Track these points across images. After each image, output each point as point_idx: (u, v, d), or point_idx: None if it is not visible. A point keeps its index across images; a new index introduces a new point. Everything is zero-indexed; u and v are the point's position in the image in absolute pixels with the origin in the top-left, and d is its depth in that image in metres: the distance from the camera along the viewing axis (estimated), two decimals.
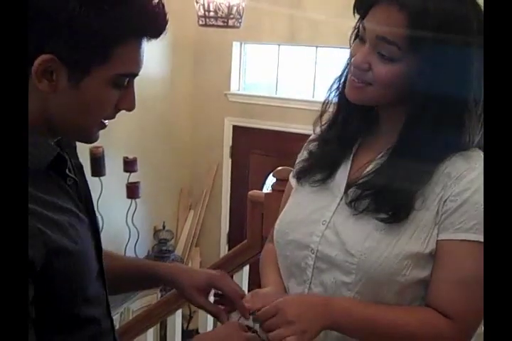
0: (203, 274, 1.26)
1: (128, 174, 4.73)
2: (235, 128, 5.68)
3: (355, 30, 1.17)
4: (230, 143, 5.73)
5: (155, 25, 0.96)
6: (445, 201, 1.09)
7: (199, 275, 1.25)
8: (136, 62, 0.96)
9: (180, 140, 5.76)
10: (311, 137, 1.34)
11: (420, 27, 1.04)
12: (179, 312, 2.58)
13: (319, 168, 1.25)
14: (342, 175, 1.22)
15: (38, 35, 0.88)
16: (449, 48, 1.05)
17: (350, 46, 1.18)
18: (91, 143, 1.03)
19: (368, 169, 1.18)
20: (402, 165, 1.11)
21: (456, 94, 1.08)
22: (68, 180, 1.03)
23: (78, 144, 1.12)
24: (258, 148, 5.56)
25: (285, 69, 5.51)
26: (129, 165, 4.71)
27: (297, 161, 1.34)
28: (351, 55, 1.15)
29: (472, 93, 1.08)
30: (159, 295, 4.61)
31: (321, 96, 5.50)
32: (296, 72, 5.46)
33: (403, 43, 1.06)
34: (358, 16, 1.14)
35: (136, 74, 0.98)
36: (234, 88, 5.65)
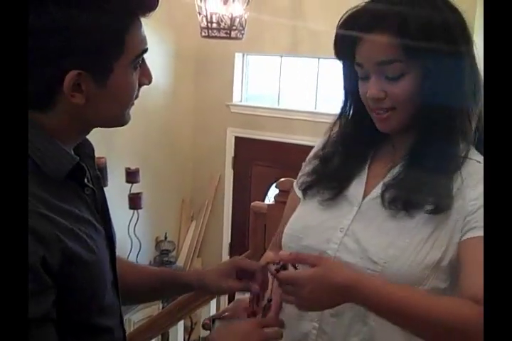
0: (226, 262, 1.31)
1: (130, 185, 4.73)
2: (237, 139, 5.68)
3: (348, 74, 1.24)
4: (232, 154, 5.72)
5: (149, 0, 0.98)
6: (465, 207, 1.13)
7: (222, 265, 1.30)
8: (143, 39, 0.99)
9: (183, 151, 5.76)
10: (315, 151, 1.36)
11: (407, 37, 1.10)
12: (181, 324, 2.57)
13: (328, 187, 1.26)
14: (358, 186, 1.25)
15: (58, 57, 0.90)
16: (439, 50, 1.10)
17: (345, 82, 1.26)
18: (125, 124, 1.06)
19: (391, 174, 1.21)
20: (428, 165, 1.15)
21: (459, 93, 1.15)
22: (86, 189, 1.04)
23: None
24: (260, 159, 5.56)
25: (287, 80, 5.52)
26: (131, 176, 4.71)
27: (301, 173, 1.35)
28: (361, 96, 1.20)
29: (468, 92, 1.15)
30: (161, 306, 4.59)
31: (323, 107, 5.47)
32: (299, 83, 5.47)
33: (401, 56, 1.12)
34: None
35: (147, 49, 1.01)
36: (236, 99, 5.66)
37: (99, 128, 1.06)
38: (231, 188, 5.77)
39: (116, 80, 0.96)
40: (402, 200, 1.15)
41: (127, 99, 1.01)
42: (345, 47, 1.18)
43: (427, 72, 1.12)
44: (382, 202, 1.17)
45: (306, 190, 1.31)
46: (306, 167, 1.35)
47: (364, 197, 1.23)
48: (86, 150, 1.10)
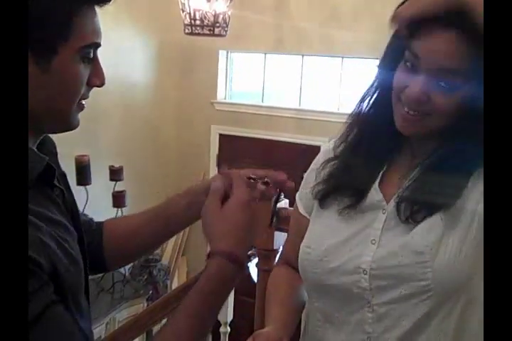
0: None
1: (114, 183, 4.71)
2: (222, 136, 5.68)
3: (391, 49, 1.08)
4: (217, 152, 5.72)
5: None
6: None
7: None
8: (95, 31, 0.95)
9: (167, 148, 5.75)
10: (325, 156, 1.24)
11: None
12: (164, 322, 2.56)
13: (347, 194, 1.16)
14: (378, 192, 1.14)
15: None
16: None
17: (381, 65, 1.11)
18: (73, 128, 1.00)
19: (406, 183, 1.11)
20: (441, 175, 1.06)
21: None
22: (55, 190, 1.00)
23: (62, 153, 1.10)
24: (245, 156, 5.56)
25: (271, 77, 5.53)
26: (115, 174, 4.69)
27: (315, 183, 1.22)
28: (396, 82, 1.06)
29: None
30: (145, 304, 4.58)
31: (307, 104, 5.47)
32: (283, 80, 5.48)
33: (469, 67, 0.97)
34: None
35: (99, 44, 0.96)
36: (220, 96, 5.66)
37: (82, 126, 1.01)
38: None
39: (60, 66, 0.90)
40: (417, 214, 1.06)
41: (72, 93, 0.95)
42: (406, 30, 1.00)
43: (483, 89, 0.95)
44: (400, 216, 1.08)
45: (322, 198, 1.19)
46: (321, 173, 1.21)
47: (387, 201, 1.12)
48: (49, 147, 1.05)
